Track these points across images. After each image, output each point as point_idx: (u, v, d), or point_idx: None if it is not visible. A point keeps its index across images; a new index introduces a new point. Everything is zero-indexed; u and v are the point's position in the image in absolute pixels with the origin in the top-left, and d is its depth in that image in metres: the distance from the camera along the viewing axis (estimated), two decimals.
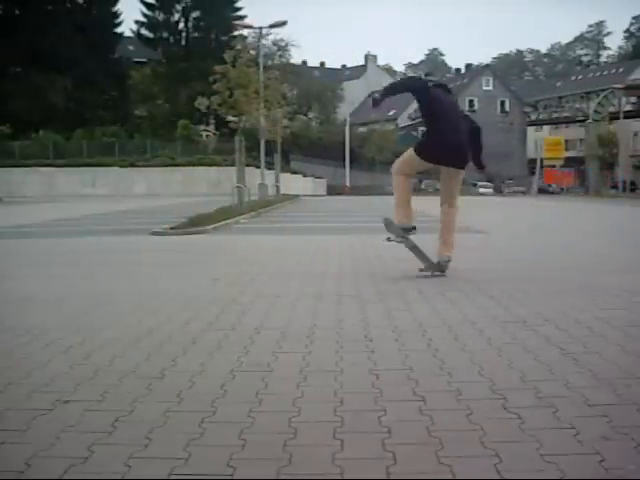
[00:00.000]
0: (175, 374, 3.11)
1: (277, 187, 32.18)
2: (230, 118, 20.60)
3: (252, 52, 28.08)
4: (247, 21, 44.99)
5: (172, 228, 12.49)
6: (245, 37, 45.77)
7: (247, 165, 27.45)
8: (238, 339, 3.80)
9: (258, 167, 29.89)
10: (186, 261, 8.15)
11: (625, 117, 57.99)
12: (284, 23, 30.34)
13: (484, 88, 72.93)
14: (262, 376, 3.05)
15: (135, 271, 7.02)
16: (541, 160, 64.37)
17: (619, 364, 3.19)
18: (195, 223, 13.22)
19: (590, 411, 2.55)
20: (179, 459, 2.15)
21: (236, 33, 52.12)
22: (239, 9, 58.85)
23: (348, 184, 57.33)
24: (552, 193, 60.89)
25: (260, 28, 28.86)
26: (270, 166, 34.77)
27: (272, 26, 31.65)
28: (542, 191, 60.29)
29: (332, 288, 5.72)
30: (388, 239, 6.43)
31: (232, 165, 23.46)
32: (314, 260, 8.04)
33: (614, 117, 58.50)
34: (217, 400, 2.73)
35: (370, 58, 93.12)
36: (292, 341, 3.74)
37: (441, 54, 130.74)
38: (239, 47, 19.67)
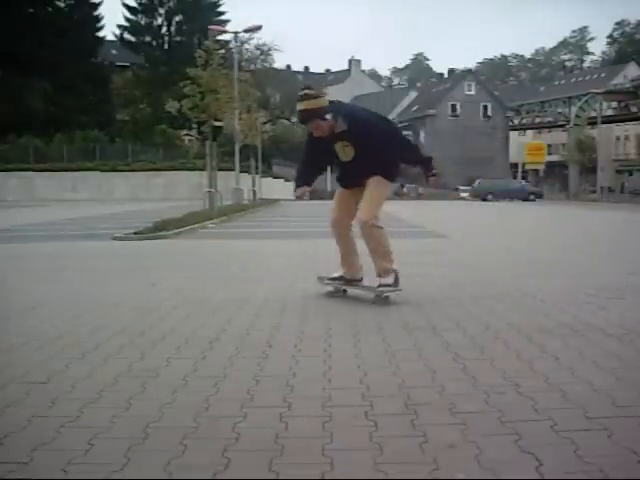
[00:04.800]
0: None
1: (254, 191, 32.24)
2: (217, 123, 20.48)
3: (234, 54, 27.82)
4: (230, 26, 44.78)
5: (135, 233, 12.51)
6: (225, 42, 45.52)
7: (227, 170, 27.48)
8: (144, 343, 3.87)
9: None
10: (123, 267, 8.14)
11: (607, 122, 58.38)
12: (259, 28, 30.53)
13: (466, 93, 73.26)
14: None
15: (70, 276, 7.07)
16: (523, 164, 64.70)
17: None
18: (159, 228, 13.22)
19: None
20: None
21: (219, 38, 51.92)
22: (222, 13, 58.78)
23: (329, 188, 57.28)
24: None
25: (235, 33, 28.93)
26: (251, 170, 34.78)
27: (247, 31, 31.80)
28: None
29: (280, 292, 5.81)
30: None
31: (214, 169, 23.41)
32: (269, 265, 8.12)
33: (594, 122, 59.01)
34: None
35: (354, 62, 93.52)
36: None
37: (426, 59, 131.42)
38: (216, 47, 19.57)
